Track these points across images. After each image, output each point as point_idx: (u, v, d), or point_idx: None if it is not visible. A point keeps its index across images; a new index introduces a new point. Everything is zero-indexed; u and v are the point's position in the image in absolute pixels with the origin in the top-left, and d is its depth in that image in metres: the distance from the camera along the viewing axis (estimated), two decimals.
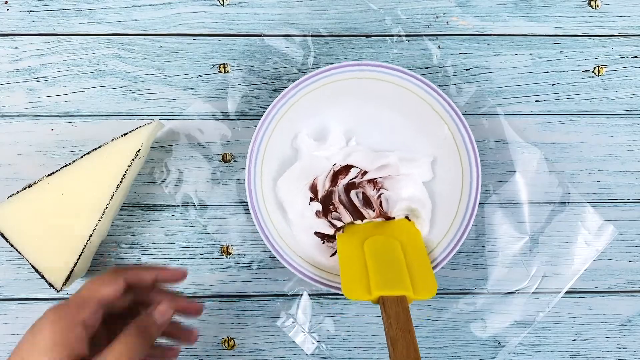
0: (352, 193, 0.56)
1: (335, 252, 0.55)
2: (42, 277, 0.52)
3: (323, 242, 0.55)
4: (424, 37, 0.59)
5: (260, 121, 0.52)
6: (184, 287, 0.57)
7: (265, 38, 0.58)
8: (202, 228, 0.58)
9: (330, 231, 0.55)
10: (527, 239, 0.58)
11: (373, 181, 0.56)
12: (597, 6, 0.59)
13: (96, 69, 0.58)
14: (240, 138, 0.58)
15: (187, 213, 0.58)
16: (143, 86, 0.58)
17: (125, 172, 0.52)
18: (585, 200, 0.59)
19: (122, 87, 0.58)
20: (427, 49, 0.59)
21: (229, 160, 0.58)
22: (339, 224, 0.55)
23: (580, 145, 0.59)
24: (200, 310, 0.49)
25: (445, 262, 0.52)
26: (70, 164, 0.53)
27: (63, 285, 0.52)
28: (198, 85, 0.58)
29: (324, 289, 0.53)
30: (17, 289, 0.57)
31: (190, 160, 0.58)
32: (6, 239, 0.52)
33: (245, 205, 0.58)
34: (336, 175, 0.56)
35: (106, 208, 0.52)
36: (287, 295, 0.57)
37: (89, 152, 0.53)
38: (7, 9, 0.58)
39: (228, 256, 0.58)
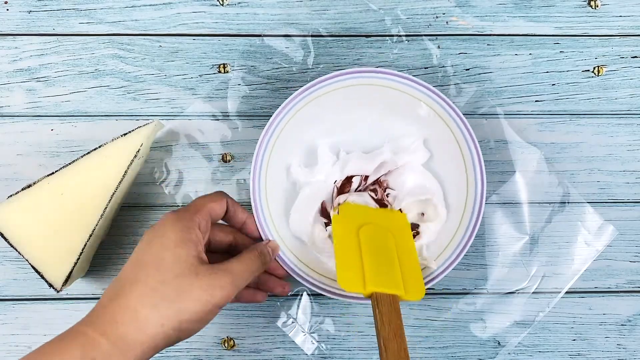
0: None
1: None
2: (42, 277, 0.52)
3: None
4: (423, 37, 0.59)
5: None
6: None
7: (265, 38, 0.58)
8: None
9: None
10: (527, 239, 0.58)
11: (377, 182, 0.56)
12: (597, 6, 0.59)
13: (96, 69, 0.58)
14: (240, 138, 0.58)
15: None
16: (143, 86, 0.58)
17: (125, 172, 0.52)
18: (585, 200, 0.59)
19: (122, 87, 0.58)
20: (426, 49, 0.59)
21: (229, 160, 0.58)
22: None
23: (580, 145, 0.59)
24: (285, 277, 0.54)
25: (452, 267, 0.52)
26: (70, 164, 0.53)
27: (63, 285, 0.52)
28: (198, 85, 0.58)
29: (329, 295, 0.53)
30: (17, 289, 0.57)
31: (190, 160, 0.58)
32: (6, 239, 0.52)
33: (245, 205, 0.58)
34: (341, 191, 0.56)
35: (106, 208, 0.52)
36: (287, 295, 0.57)
37: (88, 152, 0.53)
38: (7, 9, 0.58)
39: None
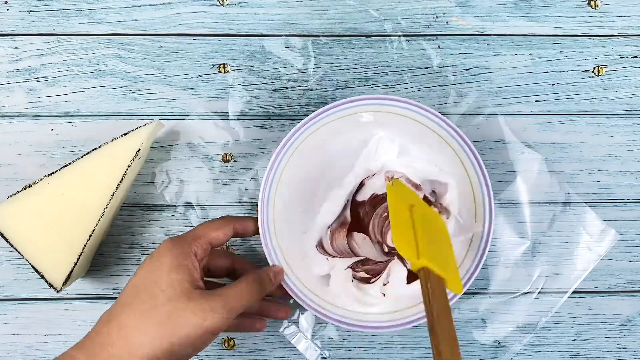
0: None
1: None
2: (42, 277, 0.52)
3: (352, 281, 0.54)
4: (423, 37, 0.59)
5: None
6: None
7: (265, 38, 0.58)
8: None
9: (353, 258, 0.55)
10: (528, 244, 0.58)
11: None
12: (597, 6, 0.59)
13: (96, 69, 0.58)
14: (240, 138, 0.58)
15: (187, 213, 0.58)
16: (143, 86, 0.58)
17: (125, 172, 0.52)
18: (586, 200, 0.58)
19: (122, 87, 0.58)
20: (426, 49, 0.59)
21: (229, 160, 0.58)
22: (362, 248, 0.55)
23: (580, 145, 0.59)
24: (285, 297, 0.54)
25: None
26: (70, 164, 0.53)
27: (63, 285, 0.52)
28: (198, 85, 0.58)
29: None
30: (17, 289, 0.57)
31: (190, 160, 0.58)
32: (6, 239, 0.52)
33: (245, 205, 0.58)
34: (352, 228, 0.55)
35: (106, 208, 0.52)
36: (287, 319, 0.57)
37: (88, 152, 0.53)
38: (7, 9, 0.58)
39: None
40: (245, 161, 0.58)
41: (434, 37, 0.59)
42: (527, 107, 0.59)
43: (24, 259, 0.53)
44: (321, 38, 0.59)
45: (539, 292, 0.58)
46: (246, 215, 0.58)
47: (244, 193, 0.58)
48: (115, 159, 0.53)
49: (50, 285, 0.52)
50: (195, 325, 0.42)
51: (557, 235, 0.58)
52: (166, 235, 0.58)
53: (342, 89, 0.58)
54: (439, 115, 0.52)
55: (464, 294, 0.58)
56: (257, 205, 0.52)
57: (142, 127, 0.54)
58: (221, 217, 0.50)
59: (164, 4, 0.58)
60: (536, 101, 0.59)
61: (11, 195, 0.52)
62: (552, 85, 0.59)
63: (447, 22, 0.59)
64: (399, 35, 0.59)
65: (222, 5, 0.59)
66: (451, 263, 0.49)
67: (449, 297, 0.47)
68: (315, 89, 0.58)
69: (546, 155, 0.59)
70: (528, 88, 0.59)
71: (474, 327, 0.58)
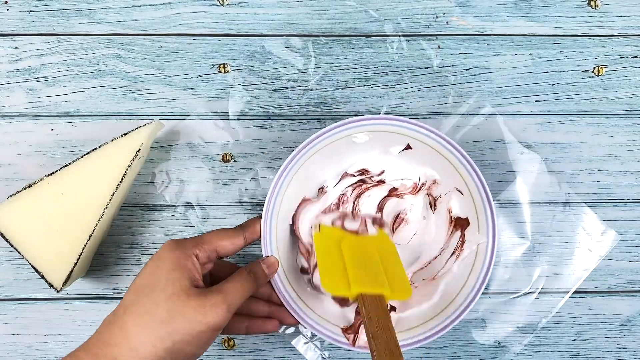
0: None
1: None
2: (42, 277, 0.52)
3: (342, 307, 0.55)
4: (423, 37, 0.59)
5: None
6: None
7: (265, 38, 0.58)
8: (202, 228, 0.58)
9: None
10: (528, 244, 0.58)
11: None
12: (597, 6, 0.59)
13: (96, 69, 0.58)
14: (240, 138, 0.58)
15: (187, 213, 0.58)
16: (143, 86, 0.58)
17: (125, 172, 0.52)
18: (586, 200, 0.59)
19: (122, 87, 0.58)
20: (426, 50, 0.59)
21: (229, 160, 0.58)
22: None
23: (580, 145, 0.59)
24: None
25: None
26: (70, 164, 0.53)
27: (63, 285, 0.52)
28: (198, 85, 0.58)
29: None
30: (17, 289, 0.57)
31: (190, 160, 0.58)
32: (6, 239, 0.52)
33: (245, 205, 0.58)
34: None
35: (106, 208, 0.52)
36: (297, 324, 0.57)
37: (88, 152, 0.53)
38: (7, 9, 0.58)
39: (228, 257, 0.58)
40: (245, 161, 0.58)
41: (434, 37, 0.59)
42: (527, 107, 0.59)
43: (24, 259, 0.53)
44: (321, 38, 0.59)
45: (539, 293, 0.58)
46: (253, 218, 0.57)
47: (244, 193, 0.58)
48: (115, 159, 0.53)
49: (50, 285, 0.52)
50: (196, 322, 0.43)
51: (557, 235, 0.58)
52: (166, 236, 0.58)
53: (342, 89, 0.58)
54: (437, 131, 0.51)
55: None
56: (257, 205, 0.52)
57: (142, 127, 0.54)
58: (235, 227, 0.51)
59: (164, 4, 0.58)
60: (536, 101, 0.59)
61: (11, 195, 0.52)
62: (552, 85, 0.59)
63: (447, 22, 0.59)
64: (399, 36, 0.59)
65: (222, 5, 0.59)
66: (396, 275, 0.51)
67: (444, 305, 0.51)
68: (315, 89, 0.58)
69: (546, 155, 0.59)
70: (528, 88, 0.59)
71: (473, 327, 0.58)
